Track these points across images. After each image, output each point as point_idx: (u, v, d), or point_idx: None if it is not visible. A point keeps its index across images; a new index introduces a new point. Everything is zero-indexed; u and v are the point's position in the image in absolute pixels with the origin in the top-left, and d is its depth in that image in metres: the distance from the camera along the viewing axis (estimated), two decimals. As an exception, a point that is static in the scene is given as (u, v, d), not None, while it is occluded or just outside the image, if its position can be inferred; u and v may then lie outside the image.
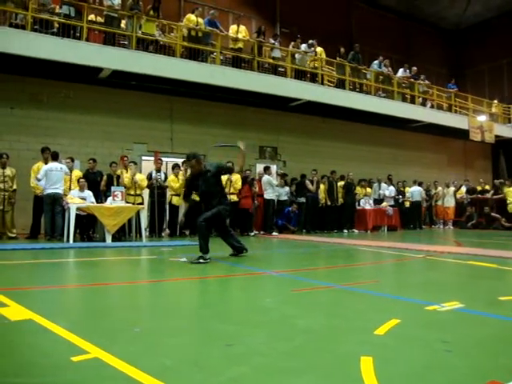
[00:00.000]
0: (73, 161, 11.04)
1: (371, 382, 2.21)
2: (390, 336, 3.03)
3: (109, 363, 2.43)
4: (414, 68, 19.06)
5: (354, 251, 9.59)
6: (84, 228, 10.59)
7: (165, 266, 6.80)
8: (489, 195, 17.86)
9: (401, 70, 18.68)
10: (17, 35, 10.70)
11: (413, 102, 18.48)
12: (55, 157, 10.48)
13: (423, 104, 19.09)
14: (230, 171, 8.88)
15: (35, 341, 2.90)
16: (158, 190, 11.54)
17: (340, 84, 16.38)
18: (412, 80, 18.62)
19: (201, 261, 6.69)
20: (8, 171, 10.53)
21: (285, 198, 13.97)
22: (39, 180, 10.19)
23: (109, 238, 9.64)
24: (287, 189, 14.18)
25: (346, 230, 14.92)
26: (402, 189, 17.30)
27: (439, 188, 18.84)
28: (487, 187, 18.83)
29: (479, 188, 18.72)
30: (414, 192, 17.40)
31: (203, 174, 7.18)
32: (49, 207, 10.15)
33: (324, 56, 16.08)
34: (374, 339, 2.95)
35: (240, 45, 14.19)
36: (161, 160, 12.20)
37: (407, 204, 17.27)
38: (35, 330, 3.09)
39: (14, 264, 6.75)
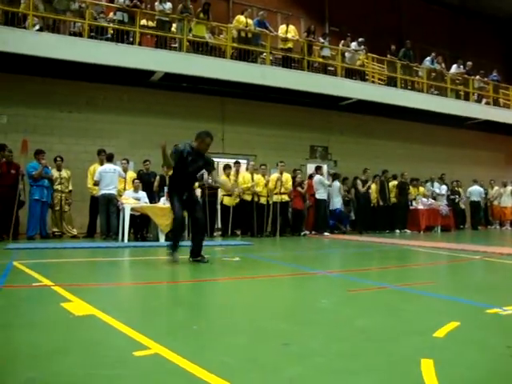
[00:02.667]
0: (128, 162, 11.35)
1: (433, 385, 2.16)
2: (450, 339, 2.95)
3: (169, 359, 2.49)
4: (469, 63, 18.44)
5: (408, 252, 9.40)
6: (138, 228, 10.86)
7: (218, 265, 6.88)
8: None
9: (454, 66, 18.13)
10: (75, 43, 11.13)
11: (467, 98, 17.91)
12: (110, 158, 10.82)
13: (478, 100, 18.46)
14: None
15: (99, 335, 3.00)
16: (209, 190, 11.68)
17: (391, 82, 16.08)
18: (466, 76, 18.04)
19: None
20: (64, 173, 10.97)
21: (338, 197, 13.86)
22: (96, 181, 10.55)
23: (162, 238, 9.85)
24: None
25: (398, 231, 14.64)
26: (456, 188, 16.79)
27: (496, 187, 18.16)
28: (548, 186, 17.98)
29: (539, 187, 17.91)
30: (474, 191, 16.84)
31: (202, 159, 6.53)
32: (103, 207, 10.48)
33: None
34: (433, 342, 2.89)
35: (290, 45, 14.18)
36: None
37: (462, 204, 16.75)
38: (98, 325, 3.21)
39: (74, 262, 7.02)
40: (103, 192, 10.44)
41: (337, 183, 13.83)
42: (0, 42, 10.18)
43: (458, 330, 3.14)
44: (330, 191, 13.63)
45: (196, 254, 6.58)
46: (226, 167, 12.30)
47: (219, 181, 6.45)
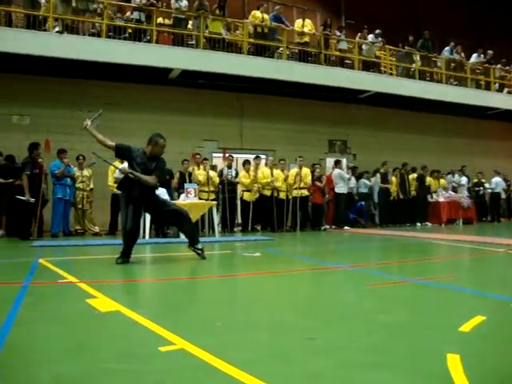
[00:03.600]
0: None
1: (460, 381, 2.14)
2: (476, 333, 2.93)
3: (195, 354, 2.52)
4: (490, 52, 18.09)
5: (429, 245, 9.33)
6: (159, 224, 10.94)
7: (239, 260, 6.92)
8: None
9: (474, 55, 17.83)
10: (94, 43, 11.24)
11: (488, 88, 17.62)
12: None
13: (500, 90, 18.14)
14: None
15: (125, 331, 3.06)
16: (228, 186, 11.72)
17: (409, 73, 15.90)
18: (487, 65, 17.74)
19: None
20: (86, 172, 11.10)
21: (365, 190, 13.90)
22: (117, 179, 10.64)
23: (182, 234, 9.89)
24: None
25: (418, 224, 14.51)
26: (481, 180, 16.53)
27: (519, 179, 17.86)
28: None
29: None
30: (499, 182, 16.59)
31: (155, 162, 6.22)
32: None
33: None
34: (459, 336, 2.86)
35: (306, 39, 14.12)
36: (232, 156, 12.38)
37: (486, 196, 16.52)
38: (123, 321, 3.26)
39: (98, 259, 7.12)
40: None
41: (376, 178, 13.98)
42: (22, 45, 10.34)
43: (484, 325, 3.11)
44: (371, 186, 13.76)
45: (192, 242, 6.50)
46: (245, 163, 12.32)
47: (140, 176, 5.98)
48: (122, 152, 6.27)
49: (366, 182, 14.03)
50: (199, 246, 6.51)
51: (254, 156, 12.94)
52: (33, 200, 9.31)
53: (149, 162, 6.16)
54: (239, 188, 12.20)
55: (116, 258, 6.10)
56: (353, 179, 13.94)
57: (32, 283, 4.75)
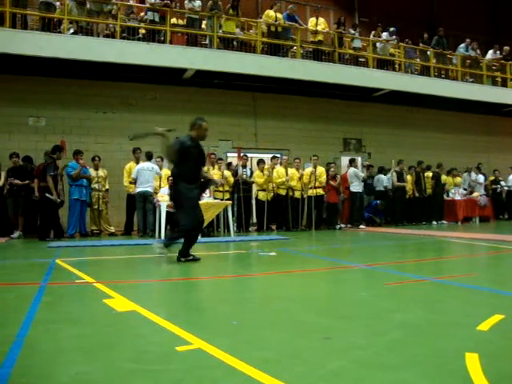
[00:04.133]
0: (162, 160, 11.47)
1: (480, 381, 2.12)
2: (495, 332, 2.90)
3: (212, 354, 2.52)
4: (506, 47, 17.86)
5: (445, 243, 9.25)
6: (174, 224, 10.98)
7: (254, 260, 6.92)
8: None
9: (490, 51, 17.61)
10: (108, 44, 11.31)
11: (505, 84, 17.39)
12: (149, 157, 10.99)
13: (517, 86, 17.88)
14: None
15: (142, 331, 3.07)
16: (243, 186, 11.73)
17: (424, 71, 15.76)
18: (503, 61, 17.51)
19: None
20: (101, 172, 11.20)
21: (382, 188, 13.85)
22: (133, 179, 10.74)
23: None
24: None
25: (435, 222, 14.38)
26: (498, 177, 16.32)
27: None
28: None
29: None
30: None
31: (200, 148, 6.43)
32: (140, 205, 10.67)
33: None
34: (477, 335, 2.84)
35: (320, 37, 14.06)
36: (246, 156, 12.38)
37: (503, 194, 16.30)
38: (140, 321, 3.28)
39: (114, 259, 7.18)
40: (139, 190, 10.63)
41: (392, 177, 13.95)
42: (37, 47, 10.45)
43: (503, 323, 3.08)
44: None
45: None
46: (260, 162, 12.31)
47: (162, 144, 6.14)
48: (183, 152, 6.12)
49: (383, 178, 13.90)
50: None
51: (269, 155, 12.92)
52: (59, 200, 9.48)
53: (199, 145, 6.36)
54: (254, 188, 12.19)
55: (160, 251, 6.29)
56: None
57: (49, 283, 4.81)
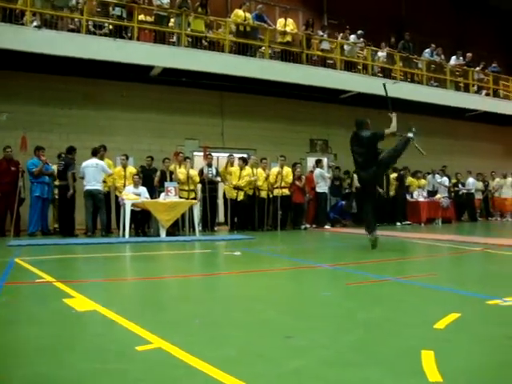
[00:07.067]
0: (127, 158, 11.32)
1: (433, 376, 2.18)
2: (450, 330, 2.97)
3: (172, 353, 2.51)
4: (469, 54, 18.34)
5: (408, 244, 9.42)
6: (139, 223, 10.86)
7: (219, 259, 6.91)
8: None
9: (453, 57, 18.06)
10: (73, 39, 11.06)
11: (467, 90, 17.85)
12: (94, 153, 10.54)
13: (478, 92, 18.40)
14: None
15: (102, 330, 3.04)
16: (209, 185, 11.68)
17: (390, 74, 16.02)
18: (466, 68, 17.98)
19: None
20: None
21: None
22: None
23: (163, 233, 9.85)
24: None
25: (399, 223, 14.63)
26: (460, 180, 16.74)
27: (497, 179, 18.14)
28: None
29: (539, 178, 17.87)
30: (473, 183, 16.82)
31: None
32: (89, 203, 10.15)
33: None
34: (434, 333, 2.91)
35: (288, 38, 14.12)
36: (211, 155, 12.29)
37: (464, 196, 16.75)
38: (100, 320, 3.24)
39: (76, 258, 7.05)
40: (87, 188, 10.15)
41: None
42: (-2, 40, 10.15)
43: (459, 322, 3.16)
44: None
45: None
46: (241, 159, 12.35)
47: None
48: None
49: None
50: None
51: (237, 155, 12.86)
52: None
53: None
54: (220, 187, 12.18)
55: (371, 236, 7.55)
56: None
57: (7, 283, 4.68)
